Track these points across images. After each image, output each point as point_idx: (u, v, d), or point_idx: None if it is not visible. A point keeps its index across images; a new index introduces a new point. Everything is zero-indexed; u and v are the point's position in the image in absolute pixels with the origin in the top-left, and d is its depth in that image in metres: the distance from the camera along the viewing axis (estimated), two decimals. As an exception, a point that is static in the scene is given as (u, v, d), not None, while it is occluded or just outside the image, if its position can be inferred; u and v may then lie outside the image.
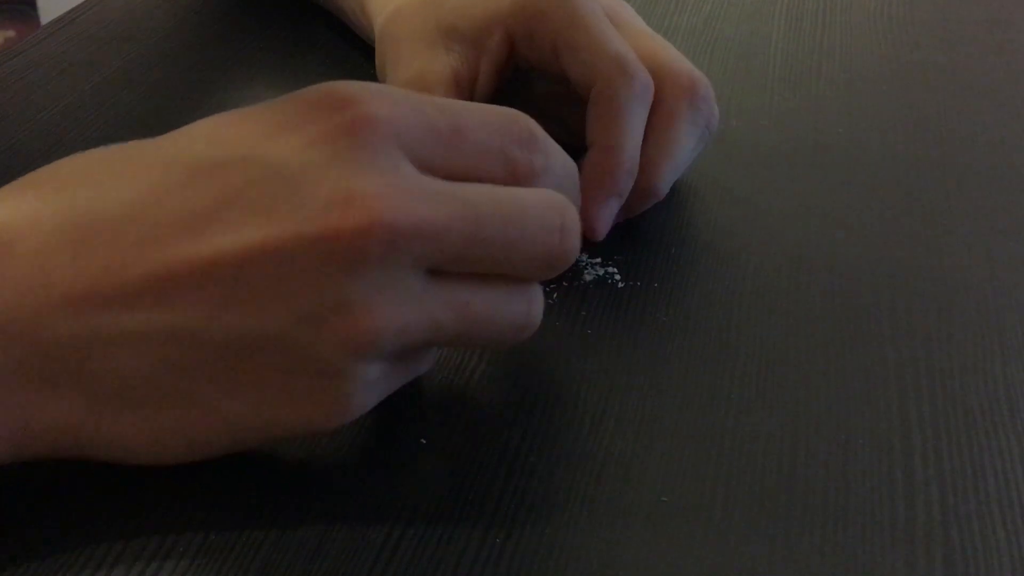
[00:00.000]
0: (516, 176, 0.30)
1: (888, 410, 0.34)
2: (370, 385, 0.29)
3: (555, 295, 0.38)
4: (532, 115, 0.31)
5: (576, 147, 0.38)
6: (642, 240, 0.41)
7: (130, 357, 0.28)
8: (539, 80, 0.44)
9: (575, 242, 0.31)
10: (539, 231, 0.30)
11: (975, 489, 0.31)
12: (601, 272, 0.40)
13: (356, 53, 0.54)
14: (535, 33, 0.40)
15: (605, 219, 0.39)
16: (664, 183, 0.41)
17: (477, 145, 0.30)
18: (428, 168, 0.29)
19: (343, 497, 0.30)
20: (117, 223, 0.28)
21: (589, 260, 0.40)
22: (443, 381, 0.35)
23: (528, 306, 0.31)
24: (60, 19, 0.59)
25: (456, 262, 0.29)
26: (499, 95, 0.43)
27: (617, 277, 0.39)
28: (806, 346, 0.36)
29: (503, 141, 0.30)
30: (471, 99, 0.42)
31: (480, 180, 0.30)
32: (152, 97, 0.51)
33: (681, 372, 0.35)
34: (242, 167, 0.28)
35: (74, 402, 0.28)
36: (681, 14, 0.61)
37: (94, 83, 0.52)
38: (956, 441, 0.33)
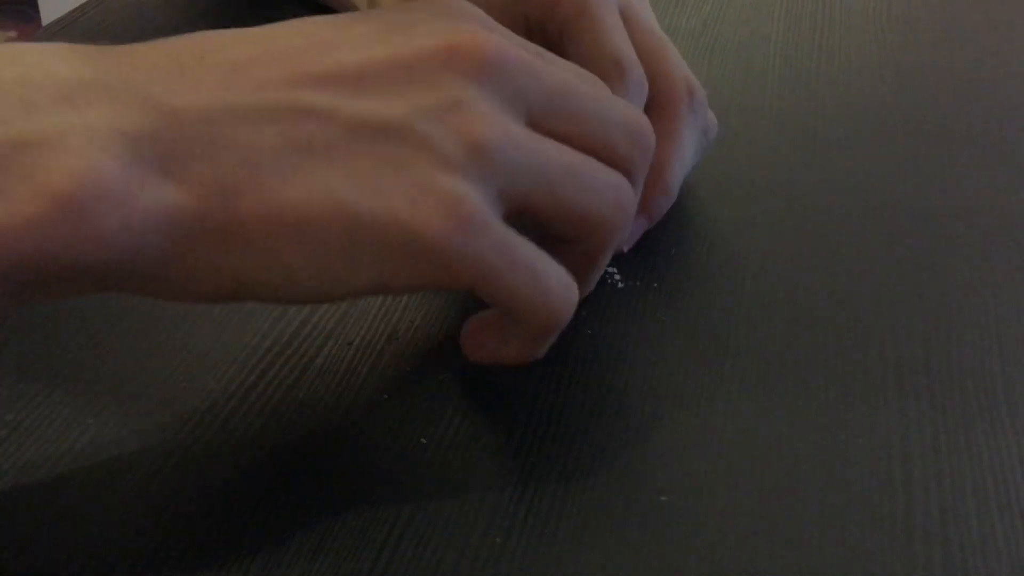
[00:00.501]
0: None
1: (888, 410, 0.34)
2: (483, 206, 0.30)
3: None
4: None
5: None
6: (642, 240, 0.41)
7: (258, 129, 0.29)
8: None
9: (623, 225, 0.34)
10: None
11: (974, 489, 0.31)
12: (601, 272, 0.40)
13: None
14: (549, 19, 0.40)
15: (635, 234, 0.41)
16: (675, 181, 0.41)
17: (594, 122, 0.33)
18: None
19: (343, 497, 0.30)
20: (252, 36, 0.31)
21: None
22: (443, 381, 0.35)
23: (617, 179, 0.33)
24: (61, 19, 0.59)
25: (550, 117, 0.32)
26: None
27: (617, 277, 0.39)
28: (806, 346, 0.36)
29: (623, 138, 0.34)
30: None
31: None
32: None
33: (681, 372, 0.35)
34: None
35: (203, 175, 0.28)
36: (681, 14, 0.61)
37: (95, 83, 0.52)
38: (955, 441, 0.33)
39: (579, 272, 0.33)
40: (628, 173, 0.34)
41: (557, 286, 0.31)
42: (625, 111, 0.34)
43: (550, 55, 0.34)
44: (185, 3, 0.61)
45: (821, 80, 0.54)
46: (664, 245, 0.41)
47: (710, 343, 0.36)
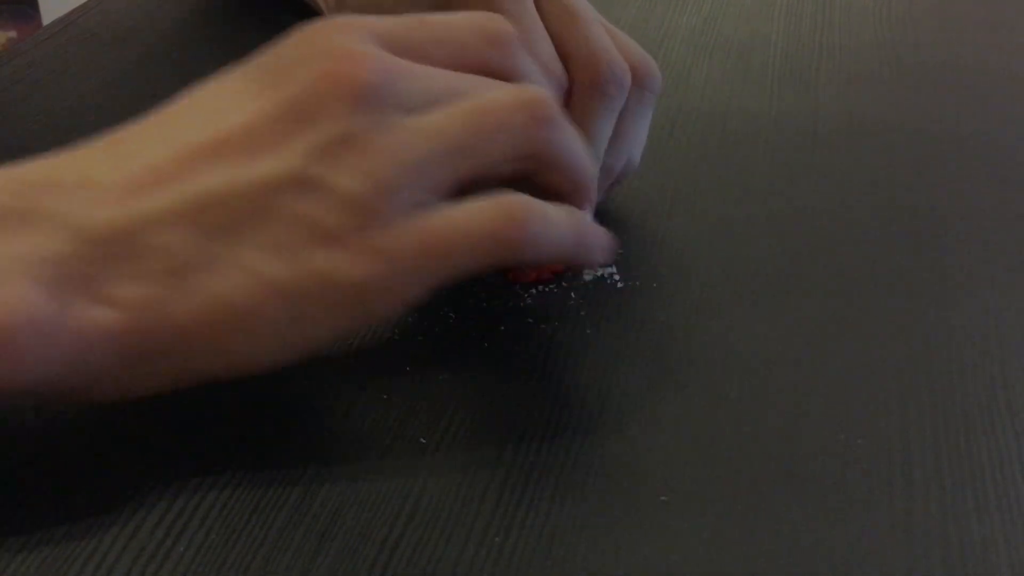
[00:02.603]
0: (491, 72, 0.33)
1: (888, 410, 0.34)
2: (406, 227, 0.30)
3: (555, 291, 0.38)
4: None
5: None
6: (642, 240, 0.41)
7: (170, 231, 0.29)
8: None
9: (554, 132, 0.32)
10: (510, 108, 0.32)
11: (974, 489, 0.31)
12: (601, 272, 0.40)
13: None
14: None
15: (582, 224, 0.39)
16: (584, 165, 0.37)
17: (443, 34, 0.33)
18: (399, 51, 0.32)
19: (343, 497, 0.30)
20: (143, 133, 0.31)
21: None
22: (443, 381, 0.35)
23: (530, 91, 0.33)
24: (61, 19, 0.59)
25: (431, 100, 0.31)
26: None
27: (617, 277, 0.39)
28: (806, 346, 0.36)
29: (472, 37, 0.33)
30: None
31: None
32: (153, 97, 0.51)
33: (681, 372, 0.35)
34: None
35: (131, 290, 0.28)
36: (681, 14, 0.61)
37: (95, 83, 0.52)
38: (955, 441, 0.33)
39: (574, 193, 0.33)
40: (504, 71, 0.34)
41: (494, 220, 0.31)
42: (474, 25, 0.34)
43: (412, 21, 0.33)
44: (185, 3, 0.61)
45: (821, 80, 0.54)
46: (664, 245, 0.41)
47: (710, 343, 0.36)
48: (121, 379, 0.29)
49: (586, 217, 0.34)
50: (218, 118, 0.31)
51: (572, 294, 0.39)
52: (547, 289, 0.39)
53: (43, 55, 0.55)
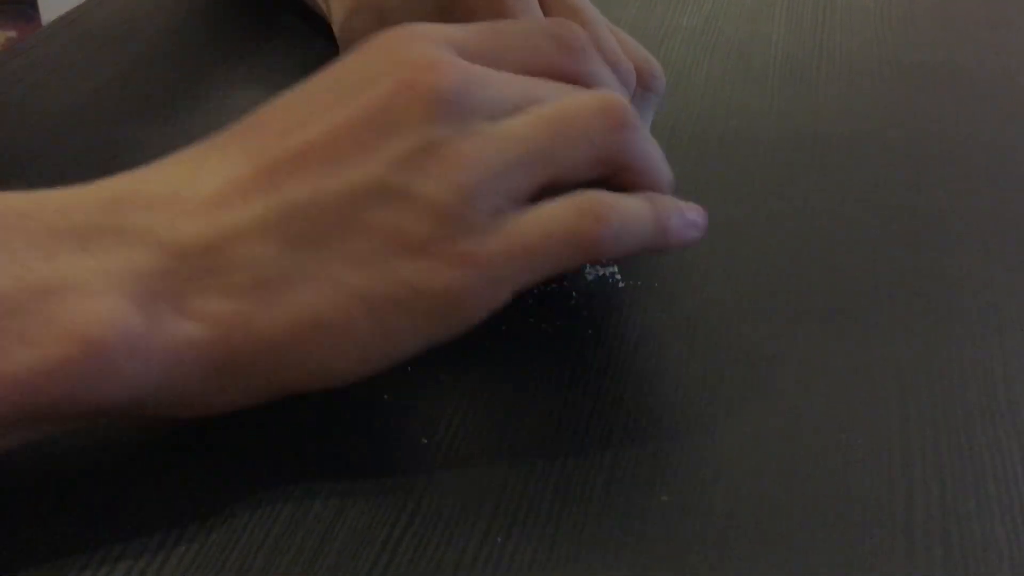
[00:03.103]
0: (564, 77, 0.33)
1: (888, 410, 0.34)
2: (489, 233, 0.30)
3: (555, 290, 0.38)
4: None
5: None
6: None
7: (256, 244, 0.29)
8: None
9: (631, 136, 0.33)
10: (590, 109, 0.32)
11: (974, 488, 0.31)
12: (601, 272, 0.40)
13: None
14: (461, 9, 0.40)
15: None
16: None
17: (517, 40, 0.33)
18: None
19: (343, 497, 0.30)
20: (226, 145, 0.31)
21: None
22: (443, 381, 0.35)
23: (607, 96, 0.33)
24: (61, 19, 0.59)
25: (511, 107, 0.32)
26: None
27: (617, 277, 0.39)
28: (806, 346, 0.36)
29: (546, 44, 0.34)
30: None
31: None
32: (153, 97, 0.51)
33: (681, 372, 0.35)
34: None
35: (219, 304, 0.29)
36: (681, 15, 0.61)
37: (95, 83, 0.52)
38: (955, 441, 0.33)
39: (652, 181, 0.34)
40: (578, 77, 0.34)
41: (584, 219, 0.31)
42: (546, 31, 0.34)
43: (484, 29, 0.34)
44: (185, 2, 0.61)
45: (821, 80, 0.54)
46: (664, 245, 0.41)
47: (710, 343, 0.36)
48: (209, 394, 0.30)
49: (666, 200, 0.34)
50: (299, 129, 0.30)
51: (573, 294, 0.39)
52: (547, 289, 0.39)
53: (43, 55, 0.55)
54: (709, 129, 0.49)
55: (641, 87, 0.39)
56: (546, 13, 0.39)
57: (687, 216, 0.34)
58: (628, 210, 0.32)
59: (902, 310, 0.38)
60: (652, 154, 0.34)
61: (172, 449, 0.32)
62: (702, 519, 0.30)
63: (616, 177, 0.33)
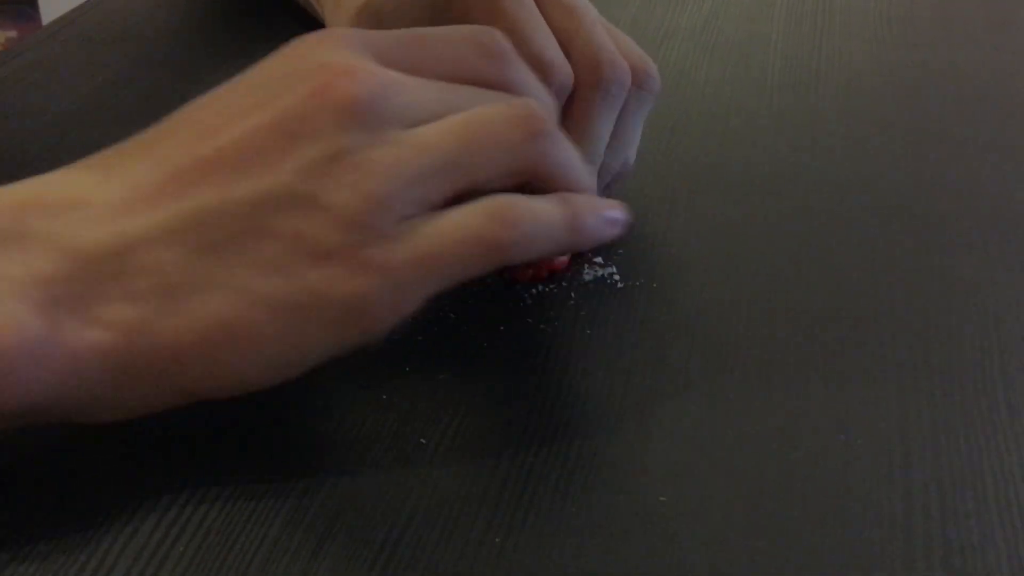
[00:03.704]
0: (488, 85, 0.33)
1: (888, 410, 0.34)
2: (396, 240, 0.29)
3: (554, 291, 0.38)
4: None
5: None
6: (642, 240, 0.41)
7: (162, 250, 0.29)
8: None
9: (548, 146, 0.32)
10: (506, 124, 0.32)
11: (974, 489, 0.31)
12: (601, 272, 0.40)
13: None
14: (463, 18, 0.39)
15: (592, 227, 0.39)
16: (579, 172, 0.37)
17: (439, 48, 0.33)
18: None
19: (343, 497, 0.30)
20: (133, 151, 0.31)
21: (589, 259, 0.40)
22: (442, 381, 0.35)
23: (524, 105, 0.32)
24: (61, 19, 0.59)
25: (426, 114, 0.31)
26: None
27: (617, 277, 0.39)
28: (806, 346, 0.36)
29: (468, 51, 0.33)
30: None
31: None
32: (152, 97, 0.51)
33: (681, 372, 0.35)
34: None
35: (123, 311, 0.28)
36: (681, 15, 0.61)
37: (95, 83, 0.52)
38: (955, 441, 0.33)
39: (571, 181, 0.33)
40: (500, 84, 0.34)
41: (490, 223, 0.31)
42: (469, 38, 0.34)
43: (407, 36, 0.33)
44: (184, 3, 0.61)
45: (821, 80, 0.54)
46: (664, 245, 0.41)
47: (710, 343, 0.36)
48: (115, 400, 0.29)
49: (580, 200, 0.33)
50: (208, 136, 0.30)
51: (572, 294, 0.39)
52: (547, 289, 0.39)
53: (43, 55, 0.55)
54: (709, 129, 0.49)
55: (636, 86, 0.39)
56: (542, 11, 0.39)
57: (604, 214, 0.34)
58: (539, 213, 0.32)
59: (902, 310, 0.38)
60: (570, 162, 0.33)
61: (171, 449, 0.32)
62: (701, 519, 0.30)
63: (534, 187, 0.33)
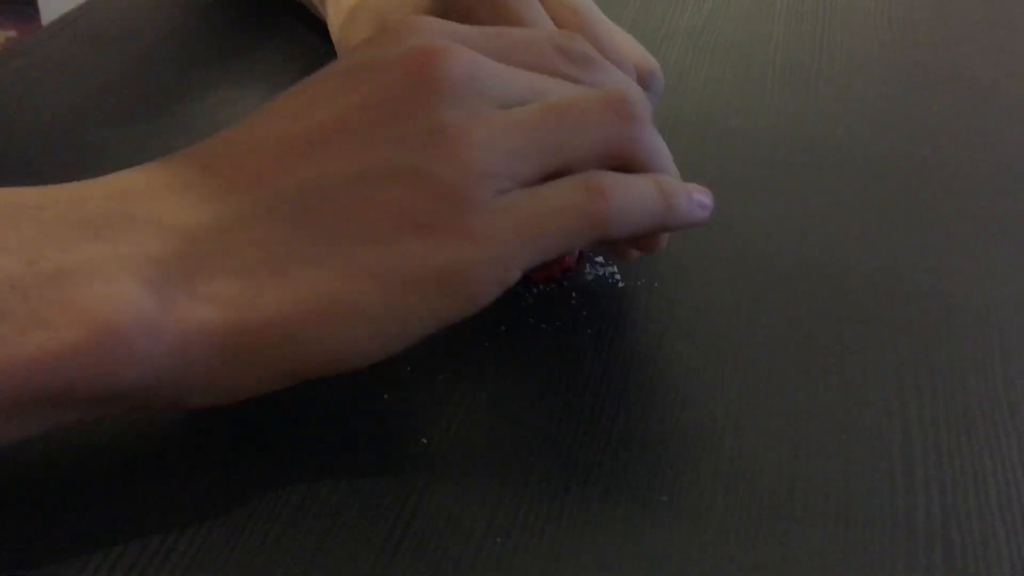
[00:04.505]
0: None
1: (888, 410, 0.34)
2: (497, 210, 0.30)
3: (555, 290, 0.38)
4: None
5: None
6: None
7: (266, 225, 0.29)
8: None
9: (638, 130, 0.33)
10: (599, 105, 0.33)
11: (975, 489, 0.31)
12: (601, 272, 0.40)
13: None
14: (467, 17, 0.40)
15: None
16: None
17: (522, 44, 0.34)
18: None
19: (343, 497, 0.30)
20: (234, 138, 0.31)
21: (590, 259, 0.40)
22: (442, 380, 0.35)
23: (618, 91, 0.33)
24: (61, 19, 0.59)
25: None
26: None
27: (617, 277, 0.39)
28: (806, 346, 0.36)
29: (552, 52, 0.34)
30: None
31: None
32: (152, 97, 0.51)
33: (681, 372, 0.35)
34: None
35: (229, 286, 0.29)
36: (681, 14, 0.61)
37: (95, 83, 0.52)
38: (956, 441, 0.33)
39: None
40: (585, 80, 0.34)
41: (593, 199, 0.31)
42: (551, 40, 0.35)
43: (491, 31, 0.34)
44: (184, 3, 0.61)
45: (821, 80, 0.54)
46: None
47: (710, 343, 0.36)
48: (224, 379, 0.29)
49: (671, 181, 0.34)
50: (309, 116, 0.31)
51: (573, 294, 0.39)
52: (548, 289, 0.39)
53: (43, 55, 0.55)
54: (709, 129, 0.49)
55: (640, 86, 0.39)
56: (548, 12, 0.39)
57: (694, 196, 0.34)
58: (634, 187, 0.32)
59: (902, 310, 0.38)
60: (659, 150, 0.34)
61: (171, 449, 0.32)
62: (702, 520, 0.30)
63: (622, 170, 0.33)
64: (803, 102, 0.52)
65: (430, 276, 0.30)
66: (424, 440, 0.32)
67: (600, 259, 0.40)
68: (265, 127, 0.31)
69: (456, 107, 0.30)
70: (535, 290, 0.39)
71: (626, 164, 0.33)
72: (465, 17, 0.38)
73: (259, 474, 0.31)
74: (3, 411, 0.27)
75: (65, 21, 0.59)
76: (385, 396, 0.34)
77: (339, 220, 0.30)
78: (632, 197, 0.32)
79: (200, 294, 0.29)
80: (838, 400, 0.34)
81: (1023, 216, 0.44)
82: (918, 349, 0.36)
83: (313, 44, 0.55)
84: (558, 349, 0.36)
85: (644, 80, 0.40)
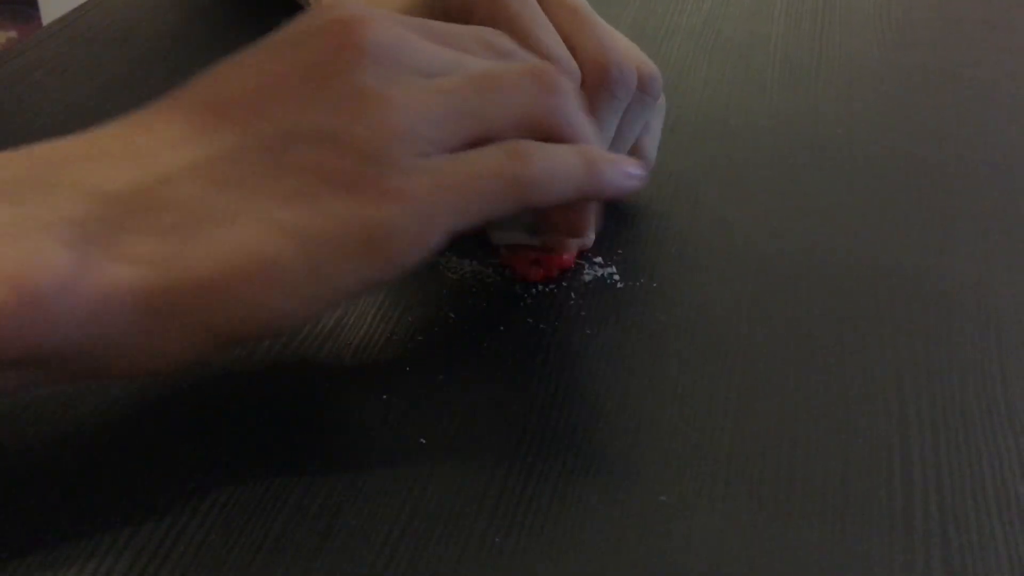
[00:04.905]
0: None
1: (888, 410, 0.34)
2: (417, 171, 0.30)
3: (554, 292, 0.38)
4: None
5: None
6: (642, 240, 0.41)
7: (186, 185, 0.29)
8: None
9: (560, 101, 0.33)
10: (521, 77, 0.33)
11: (973, 488, 0.31)
12: (600, 272, 0.40)
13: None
14: (468, 17, 0.40)
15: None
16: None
17: (449, 31, 0.34)
18: None
19: (343, 497, 0.30)
20: (158, 109, 0.32)
21: (589, 259, 0.40)
22: (442, 381, 0.35)
23: (542, 64, 0.33)
24: (61, 19, 0.59)
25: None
26: None
27: (616, 277, 0.39)
28: (806, 346, 0.36)
29: (477, 47, 0.34)
30: None
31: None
32: (152, 97, 0.51)
33: (681, 372, 0.35)
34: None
35: (149, 245, 0.29)
36: (681, 14, 0.61)
37: (95, 84, 0.52)
38: (954, 441, 0.33)
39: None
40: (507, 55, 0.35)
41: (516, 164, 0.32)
42: (475, 36, 0.35)
43: (418, 19, 0.34)
44: (184, 3, 0.61)
45: (820, 80, 0.54)
46: (664, 245, 0.41)
47: (710, 343, 0.36)
48: (146, 340, 0.29)
49: (596, 150, 0.34)
50: (235, 82, 0.31)
51: (572, 294, 0.39)
52: (547, 289, 0.39)
53: (43, 55, 0.55)
54: (709, 129, 0.49)
55: (638, 89, 0.39)
56: (547, 13, 0.39)
57: (621, 166, 0.34)
58: (556, 154, 0.32)
59: (902, 310, 0.38)
60: (584, 123, 0.34)
61: (171, 449, 0.32)
62: (701, 520, 0.30)
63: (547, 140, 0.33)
64: (803, 102, 0.52)
65: (349, 234, 0.30)
66: (424, 440, 0.32)
67: (599, 260, 0.40)
68: (192, 94, 0.32)
69: (377, 72, 0.31)
70: (534, 290, 0.39)
71: (550, 135, 0.33)
72: (462, 17, 0.39)
73: (259, 474, 0.31)
74: None
75: (65, 21, 0.59)
76: (385, 396, 0.34)
77: (259, 180, 0.30)
78: (554, 163, 0.32)
79: (119, 255, 0.28)
80: (838, 400, 0.34)
81: (1023, 216, 0.44)
82: (918, 349, 0.36)
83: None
84: (557, 349, 0.36)
85: (643, 84, 0.40)
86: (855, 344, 0.37)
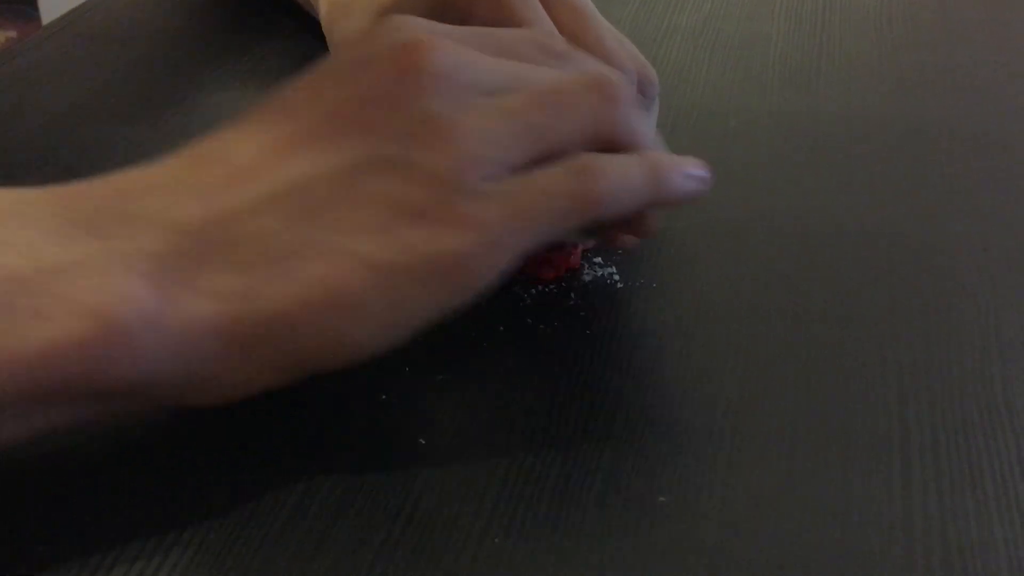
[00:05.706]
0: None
1: (888, 410, 0.34)
2: (488, 196, 0.30)
3: (555, 291, 0.38)
4: None
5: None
6: (642, 240, 0.41)
7: (262, 218, 0.30)
8: None
9: (623, 112, 0.33)
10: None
11: (973, 489, 0.31)
12: (601, 272, 0.40)
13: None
14: (469, 16, 0.40)
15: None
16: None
17: (501, 39, 0.34)
18: None
19: (342, 497, 0.30)
20: (225, 138, 0.32)
21: (589, 259, 0.40)
22: (442, 381, 0.35)
23: (601, 74, 0.34)
24: (61, 19, 0.59)
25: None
26: None
27: (617, 277, 0.39)
28: (806, 346, 0.36)
29: (531, 48, 0.34)
30: None
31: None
32: (152, 97, 0.51)
33: (680, 372, 0.35)
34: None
35: (228, 280, 0.29)
36: (681, 14, 0.61)
37: (95, 84, 0.52)
38: (954, 441, 0.33)
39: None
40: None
41: (586, 181, 0.32)
42: (529, 39, 0.35)
43: (472, 28, 0.35)
44: (184, 3, 0.61)
45: (821, 80, 0.54)
46: (664, 245, 0.41)
47: (710, 343, 0.36)
48: (225, 373, 0.30)
49: (659, 156, 0.34)
50: (299, 112, 0.31)
51: (572, 294, 0.39)
52: (547, 289, 0.39)
53: (43, 55, 0.55)
54: (709, 129, 0.49)
55: (637, 92, 0.39)
56: (549, 13, 0.39)
57: (685, 169, 0.35)
58: (623, 166, 0.33)
59: (901, 311, 0.38)
60: (645, 131, 0.34)
61: (170, 450, 0.32)
62: (700, 520, 0.30)
63: (610, 151, 0.34)
64: (802, 102, 0.52)
65: (426, 264, 0.30)
66: (423, 440, 0.32)
67: (599, 260, 0.40)
68: (259, 125, 0.32)
69: (443, 97, 0.31)
70: (534, 291, 0.39)
71: (613, 145, 0.33)
72: (465, 15, 0.39)
73: (259, 474, 0.31)
74: (2, 405, 0.27)
75: (65, 21, 0.59)
76: (385, 396, 0.34)
77: (333, 212, 0.30)
78: (622, 176, 0.32)
79: (200, 288, 0.29)
80: (838, 400, 0.34)
81: (1023, 216, 0.44)
82: (918, 350, 0.36)
83: (311, 44, 0.55)
84: (557, 349, 0.36)
85: (641, 88, 0.40)
86: (855, 344, 0.37)
